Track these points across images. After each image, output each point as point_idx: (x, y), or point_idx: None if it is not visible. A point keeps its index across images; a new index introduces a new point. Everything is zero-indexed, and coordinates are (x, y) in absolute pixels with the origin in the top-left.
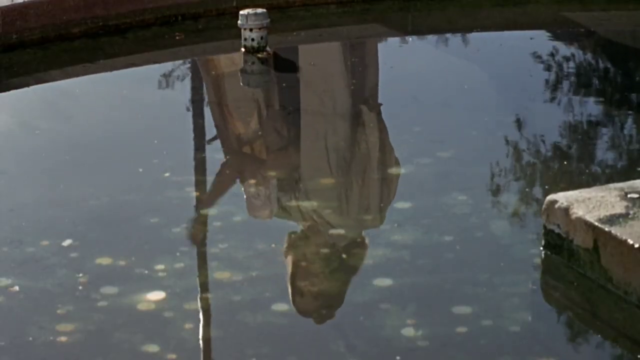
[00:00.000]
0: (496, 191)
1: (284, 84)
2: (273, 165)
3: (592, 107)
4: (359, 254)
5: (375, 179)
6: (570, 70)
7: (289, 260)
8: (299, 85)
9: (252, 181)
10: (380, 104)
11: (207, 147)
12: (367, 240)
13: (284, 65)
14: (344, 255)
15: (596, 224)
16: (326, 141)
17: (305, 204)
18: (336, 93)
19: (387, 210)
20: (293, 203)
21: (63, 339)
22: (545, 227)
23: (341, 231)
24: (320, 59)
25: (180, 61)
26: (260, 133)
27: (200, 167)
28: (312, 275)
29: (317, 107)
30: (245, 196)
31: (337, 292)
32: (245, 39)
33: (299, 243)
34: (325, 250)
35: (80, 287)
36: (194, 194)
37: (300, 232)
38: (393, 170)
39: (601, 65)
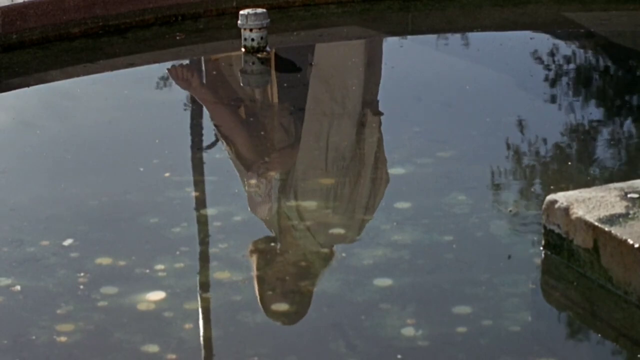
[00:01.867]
0: (496, 191)
1: (289, 82)
2: (276, 163)
3: (593, 107)
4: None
5: (366, 182)
6: (571, 70)
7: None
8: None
9: (254, 177)
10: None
11: (207, 148)
12: (334, 248)
13: (286, 64)
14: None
15: (596, 224)
16: (328, 140)
17: (292, 204)
18: (349, 91)
19: (373, 213)
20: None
21: (63, 339)
22: (545, 227)
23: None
24: (340, 55)
25: (180, 61)
26: (268, 130)
27: (200, 167)
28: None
29: (326, 103)
30: (247, 193)
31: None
32: (245, 39)
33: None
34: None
35: (81, 287)
36: (194, 194)
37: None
38: (384, 174)
39: (601, 65)
